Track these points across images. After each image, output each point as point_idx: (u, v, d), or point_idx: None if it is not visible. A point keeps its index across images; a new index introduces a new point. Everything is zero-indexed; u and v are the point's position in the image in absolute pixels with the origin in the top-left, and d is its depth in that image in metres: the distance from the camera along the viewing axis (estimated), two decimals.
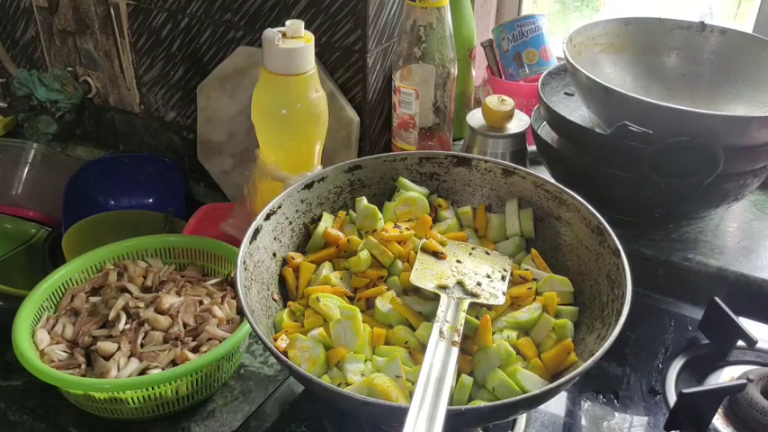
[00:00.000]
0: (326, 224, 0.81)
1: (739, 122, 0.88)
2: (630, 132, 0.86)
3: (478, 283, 0.74)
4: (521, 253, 0.81)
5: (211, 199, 1.21)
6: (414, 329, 0.72)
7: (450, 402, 0.61)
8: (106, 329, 0.84)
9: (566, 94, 1.10)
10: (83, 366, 0.81)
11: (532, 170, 0.82)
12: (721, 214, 1.05)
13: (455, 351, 0.64)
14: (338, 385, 0.66)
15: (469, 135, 1.02)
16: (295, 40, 0.86)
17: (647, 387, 0.85)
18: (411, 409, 0.57)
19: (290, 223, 0.80)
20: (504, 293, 0.73)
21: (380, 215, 0.81)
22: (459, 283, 0.73)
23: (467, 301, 0.71)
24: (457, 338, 0.66)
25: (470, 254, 0.78)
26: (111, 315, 0.85)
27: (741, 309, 0.89)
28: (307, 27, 0.88)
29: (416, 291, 0.74)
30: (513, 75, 1.15)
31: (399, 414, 0.57)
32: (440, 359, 0.63)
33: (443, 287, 0.72)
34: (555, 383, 0.60)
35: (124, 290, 0.89)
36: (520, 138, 1.00)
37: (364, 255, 0.76)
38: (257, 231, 0.74)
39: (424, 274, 0.74)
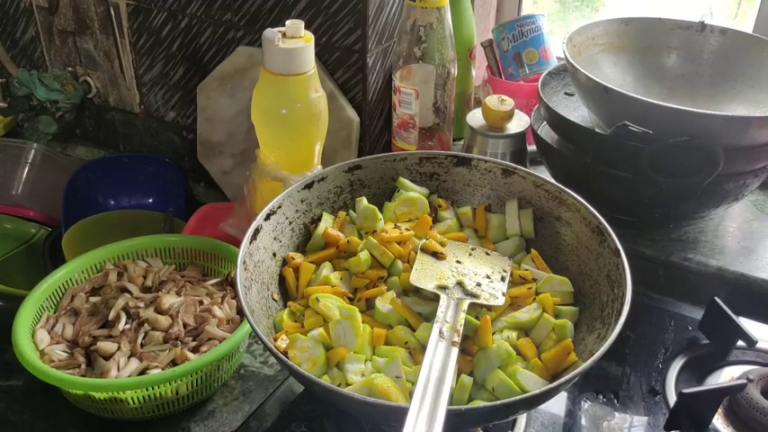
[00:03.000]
0: (326, 224, 0.81)
1: (739, 122, 0.88)
2: (630, 132, 0.86)
3: (478, 284, 0.74)
4: (521, 253, 0.81)
5: (211, 199, 1.21)
6: (414, 330, 0.72)
7: (450, 402, 0.61)
8: (106, 329, 0.84)
9: (566, 94, 1.10)
10: (83, 366, 0.81)
11: (532, 170, 0.82)
12: (721, 214, 1.05)
13: (455, 351, 0.64)
14: (338, 385, 0.66)
15: (469, 135, 1.02)
16: (295, 40, 0.86)
17: (647, 387, 0.85)
18: (411, 409, 0.57)
19: (290, 223, 0.80)
20: (503, 294, 0.73)
21: (380, 216, 0.81)
22: (459, 284, 0.73)
23: (467, 302, 0.71)
24: (457, 339, 0.66)
25: (470, 254, 0.78)
26: (111, 315, 0.85)
27: (741, 309, 0.89)
28: (307, 27, 0.88)
29: (416, 291, 0.74)
30: (513, 75, 1.15)
31: (399, 414, 0.57)
32: (439, 359, 0.63)
33: (443, 287, 0.72)
34: (555, 383, 0.60)
35: (124, 290, 0.89)
36: (520, 138, 1.00)
37: (364, 255, 0.76)
38: (257, 231, 0.74)
39: (424, 275, 0.74)
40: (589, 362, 0.61)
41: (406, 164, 0.85)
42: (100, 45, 1.23)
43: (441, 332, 0.66)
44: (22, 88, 1.26)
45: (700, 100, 1.05)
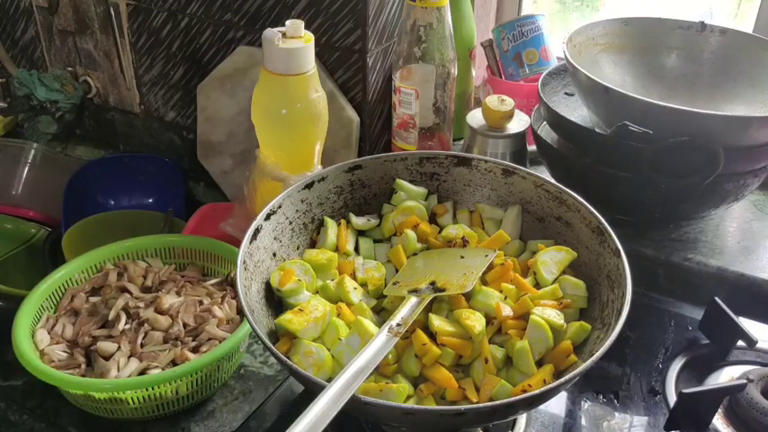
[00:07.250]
0: (332, 238, 0.81)
1: (739, 122, 0.88)
2: (630, 132, 0.86)
3: (450, 280, 0.73)
4: (525, 254, 0.81)
5: (211, 199, 1.21)
6: None
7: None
8: (106, 329, 0.84)
9: (566, 94, 1.10)
10: (83, 366, 0.81)
11: (532, 170, 0.82)
12: (721, 214, 1.05)
13: (392, 341, 0.65)
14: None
15: (469, 135, 1.02)
16: (295, 40, 0.86)
17: (647, 387, 0.85)
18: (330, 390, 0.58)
19: (290, 223, 0.80)
20: (473, 282, 0.72)
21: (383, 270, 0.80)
22: (432, 283, 0.73)
23: (429, 297, 0.71)
24: (401, 330, 0.66)
25: (462, 257, 0.78)
26: (111, 315, 0.85)
27: (741, 309, 0.89)
28: (307, 27, 0.88)
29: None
30: (513, 75, 1.14)
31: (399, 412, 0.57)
32: (376, 348, 0.64)
33: (415, 290, 0.73)
34: (555, 383, 0.60)
35: (124, 290, 0.89)
36: (520, 138, 1.00)
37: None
38: (257, 231, 0.74)
39: (405, 281, 0.75)
40: (589, 362, 0.61)
41: (406, 164, 0.85)
42: (100, 45, 1.23)
43: (390, 327, 0.67)
44: (22, 88, 1.26)
45: (700, 100, 1.05)
